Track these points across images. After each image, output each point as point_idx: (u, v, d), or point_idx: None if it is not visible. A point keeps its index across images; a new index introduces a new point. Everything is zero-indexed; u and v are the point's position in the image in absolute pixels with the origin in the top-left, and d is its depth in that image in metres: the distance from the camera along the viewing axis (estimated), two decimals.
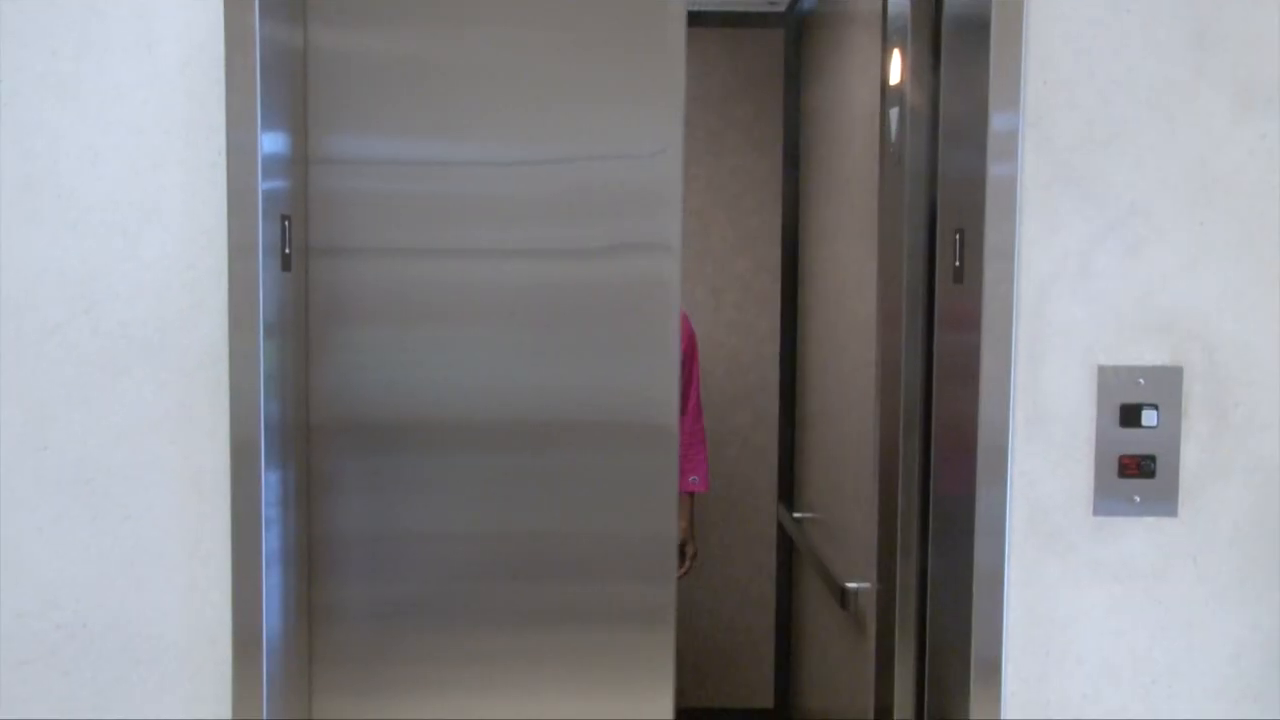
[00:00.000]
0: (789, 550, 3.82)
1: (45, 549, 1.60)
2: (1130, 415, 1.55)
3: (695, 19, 3.69)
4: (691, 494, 3.31)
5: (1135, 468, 1.56)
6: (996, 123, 1.54)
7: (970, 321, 1.58)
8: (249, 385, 1.58)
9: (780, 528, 3.79)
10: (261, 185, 1.56)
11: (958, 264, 1.64)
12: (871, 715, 2.05)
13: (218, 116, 1.55)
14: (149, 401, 1.59)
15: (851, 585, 2.44)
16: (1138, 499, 1.56)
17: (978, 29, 1.56)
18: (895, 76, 1.92)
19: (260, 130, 1.55)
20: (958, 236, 1.64)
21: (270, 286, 1.59)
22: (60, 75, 1.55)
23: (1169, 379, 1.55)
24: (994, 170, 1.54)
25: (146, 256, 1.58)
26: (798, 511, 3.56)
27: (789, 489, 3.81)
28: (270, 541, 1.61)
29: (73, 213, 1.57)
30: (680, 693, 3.16)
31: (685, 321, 3.08)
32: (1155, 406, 1.55)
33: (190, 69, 1.56)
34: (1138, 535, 1.58)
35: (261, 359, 1.57)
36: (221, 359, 1.58)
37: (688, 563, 3.36)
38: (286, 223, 1.65)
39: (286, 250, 1.66)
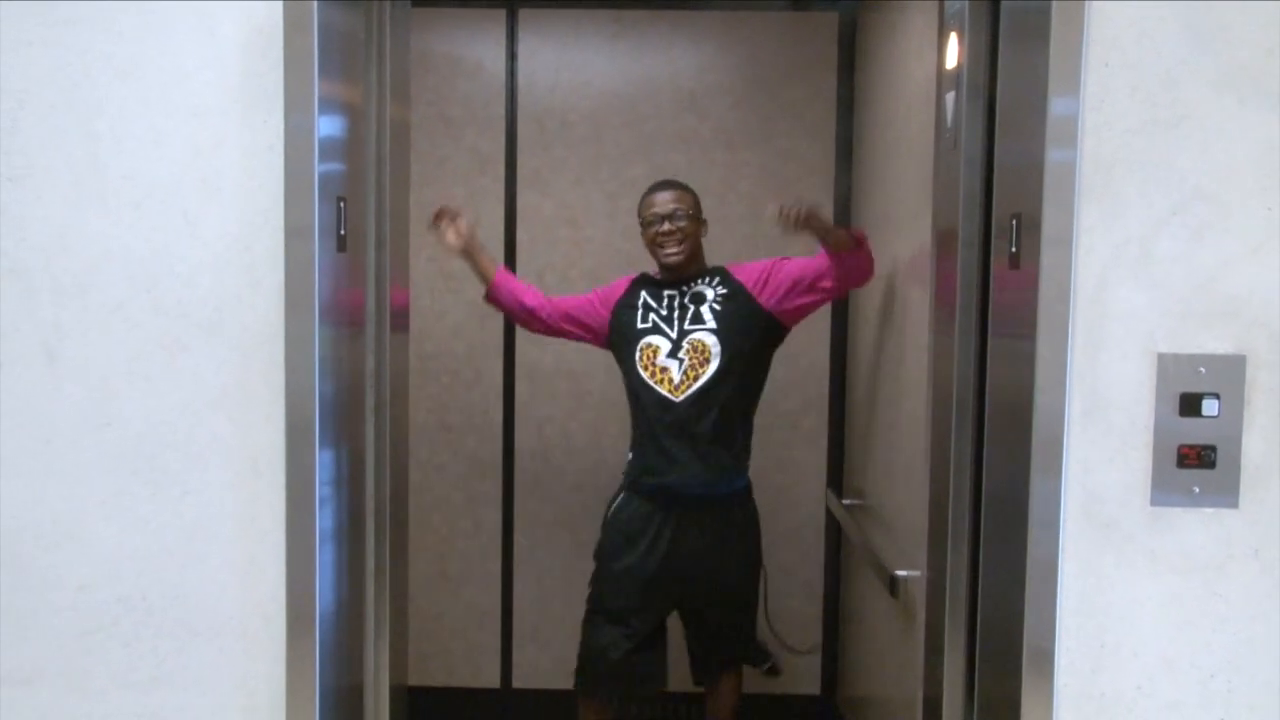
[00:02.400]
0: (838, 537, 3.81)
1: (107, 524, 1.64)
2: (1190, 404, 1.52)
3: (748, 1, 3.67)
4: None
5: (1195, 458, 1.53)
6: (1056, 107, 1.51)
7: (1027, 308, 1.56)
8: (304, 365, 1.60)
9: (829, 514, 3.77)
10: (318, 168, 1.57)
11: (1014, 250, 1.61)
12: (920, 704, 2.04)
13: (276, 98, 1.57)
14: (207, 380, 1.62)
15: (901, 573, 2.43)
16: (1197, 490, 1.54)
17: (1038, 11, 1.54)
18: (952, 60, 1.89)
19: (318, 113, 1.57)
20: (1014, 222, 1.61)
21: (325, 268, 1.61)
22: (123, 57, 1.58)
23: (1231, 367, 1.52)
24: (1053, 155, 1.52)
25: (206, 237, 1.60)
26: (847, 498, 3.54)
27: (838, 475, 3.79)
28: (324, 520, 1.64)
29: (136, 193, 1.59)
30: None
31: (748, 266, 3.01)
32: (1216, 396, 1.52)
33: (249, 51, 1.58)
34: (1197, 527, 1.55)
35: (316, 340, 1.59)
36: (278, 339, 1.60)
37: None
38: (342, 204, 1.67)
39: (342, 231, 1.67)
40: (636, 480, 2.98)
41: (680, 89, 3.72)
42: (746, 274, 2.97)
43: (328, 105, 1.60)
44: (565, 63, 3.72)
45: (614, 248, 3.76)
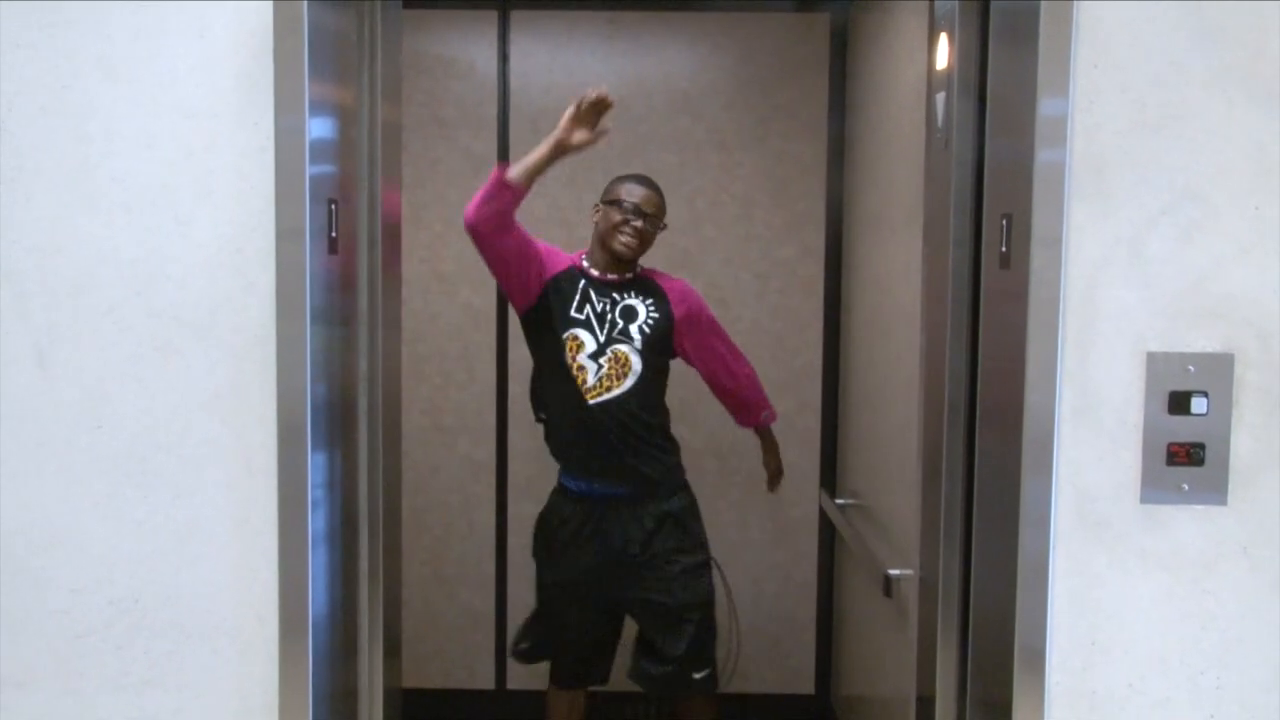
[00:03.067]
0: (831, 536, 3.81)
1: (99, 526, 1.64)
2: (1179, 403, 1.53)
3: (742, 3, 3.68)
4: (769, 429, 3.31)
5: (1184, 456, 1.54)
6: (1046, 107, 1.52)
7: (1017, 307, 1.57)
8: (296, 367, 1.60)
9: (822, 513, 3.78)
10: (310, 169, 1.57)
11: (1004, 249, 1.62)
12: (913, 702, 2.05)
13: (267, 101, 1.57)
14: (200, 382, 1.62)
15: (894, 572, 2.44)
16: (1186, 487, 1.54)
17: (1028, 12, 1.54)
18: (942, 61, 1.90)
19: (309, 115, 1.57)
20: (1005, 222, 1.62)
21: (317, 270, 1.61)
22: (115, 59, 1.58)
23: (1220, 366, 1.53)
24: (1042, 155, 1.52)
25: (198, 239, 1.60)
26: (840, 497, 3.55)
27: (831, 475, 3.80)
28: (317, 522, 1.64)
29: (127, 195, 1.59)
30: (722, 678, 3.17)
31: (680, 290, 3.06)
32: (1205, 394, 1.53)
33: (240, 54, 1.58)
34: (1186, 524, 1.56)
35: (308, 342, 1.59)
36: (270, 341, 1.60)
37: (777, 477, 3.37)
38: (334, 206, 1.67)
39: (334, 233, 1.68)
40: (560, 483, 3.09)
41: (674, 90, 3.72)
42: (679, 306, 3.01)
43: (319, 107, 1.60)
44: (558, 64, 3.72)
45: None
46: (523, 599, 3.86)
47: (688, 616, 2.97)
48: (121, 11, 1.58)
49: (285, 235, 1.58)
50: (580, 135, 2.72)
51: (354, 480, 1.82)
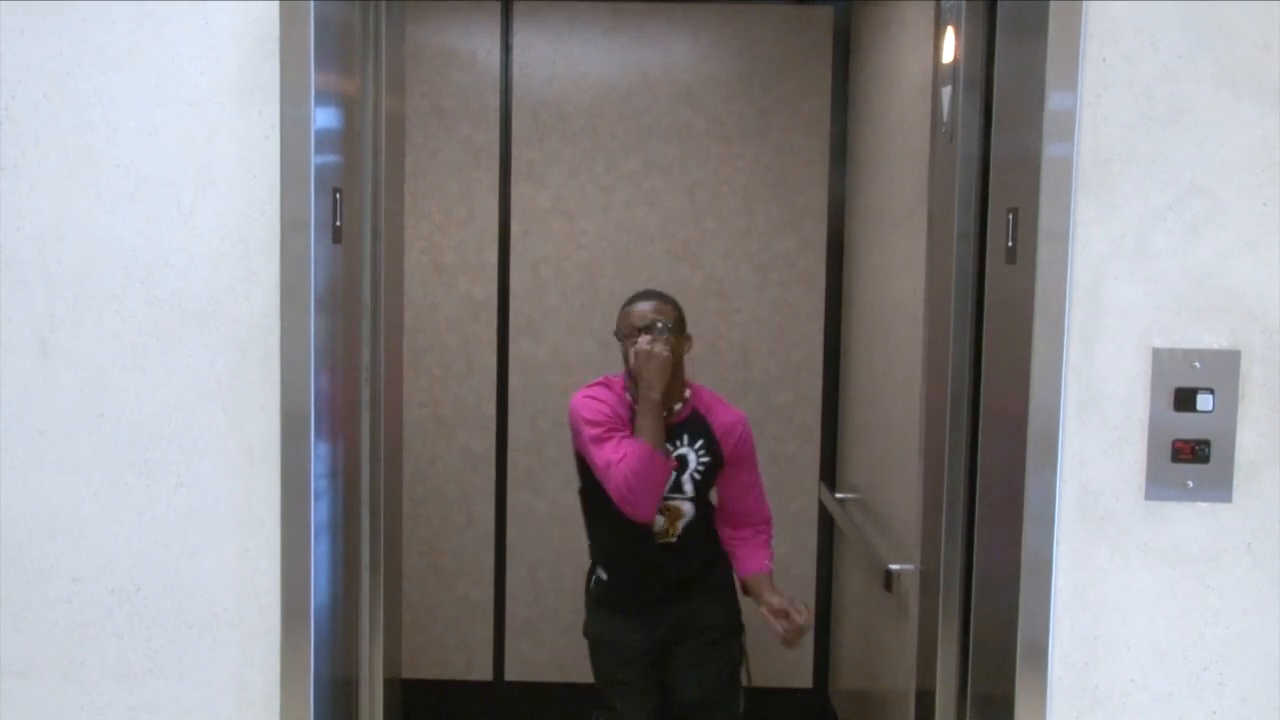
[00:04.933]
0: (831, 530, 3.81)
1: (101, 515, 1.63)
2: (1185, 399, 1.53)
3: None
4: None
5: (1189, 452, 1.53)
6: (1054, 101, 1.51)
7: (1022, 302, 1.56)
8: (300, 357, 1.59)
9: (822, 508, 3.78)
10: (314, 159, 1.57)
11: (1010, 244, 1.62)
12: (913, 697, 2.05)
13: (272, 90, 1.56)
14: (202, 371, 1.61)
15: (895, 567, 2.44)
16: (1191, 484, 1.54)
17: (1035, 6, 1.54)
18: (948, 54, 1.89)
19: (313, 105, 1.56)
20: (1010, 216, 1.62)
21: (321, 260, 1.61)
22: (118, 47, 1.57)
23: (1226, 362, 1.53)
24: (1050, 150, 1.52)
25: (201, 228, 1.59)
26: (840, 491, 3.55)
27: (831, 469, 3.80)
28: (319, 512, 1.63)
29: (130, 183, 1.59)
30: None
31: (727, 425, 2.88)
32: (1211, 390, 1.53)
33: (245, 42, 1.57)
34: (1190, 520, 1.56)
35: (312, 332, 1.59)
36: (273, 331, 1.59)
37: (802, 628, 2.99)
38: (338, 196, 1.67)
39: (338, 223, 1.67)
40: (609, 600, 2.96)
41: (676, 82, 3.71)
42: (726, 437, 2.87)
43: (323, 97, 1.59)
44: (560, 55, 3.71)
45: (608, 240, 3.75)
46: (521, 590, 3.87)
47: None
48: None
49: (290, 225, 1.57)
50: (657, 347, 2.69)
51: (356, 471, 1.82)
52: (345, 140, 1.71)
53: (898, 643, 2.72)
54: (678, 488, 2.82)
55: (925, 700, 1.93)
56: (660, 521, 2.82)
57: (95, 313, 1.60)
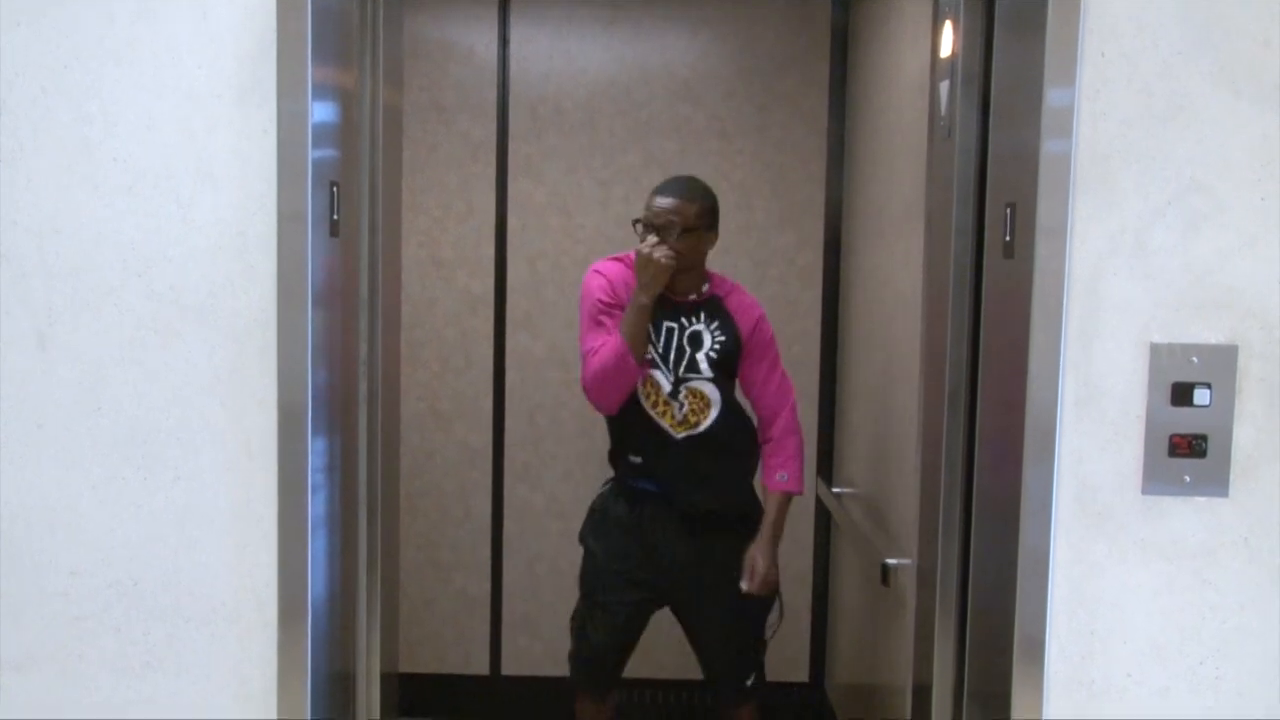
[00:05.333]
0: (828, 525, 3.82)
1: (98, 508, 1.63)
2: (1182, 394, 1.53)
3: None
4: (785, 495, 2.88)
5: (1186, 447, 1.54)
6: (1052, 97, 1.51)
7: (1020, 297, 1.56)
8: (297, 351, 1.59)
9: (819, 502, 3.78)
10: (312, 153, 1.56)
11: (1008, 239, 1.62)
12: (909, 692, 2.05)
13: (269, 83, 1.56)
14: (199, 365, 1.61)
15: (892, 561, 2.44)
16: (1188, 479, 1.55)
17: (1034, 1, 1.54)
18: (946, 49, 1.89)
19: (311, 98, 1.56)
20: (1009, 211, 1.62)
21: (319, 254, 1.60)
22: (117, 39, 1.57)
23: (1223, 357, 1.53)
24: (1048, 145, 1.52)
25: (198, 221, 1.59)
26: (837, 486, 3.55)
27: (829, 463, 3.80)
28: (316, 506, 1.63)
29: (128, 177, 1.58)
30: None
31: (748, 306, 2.87)
32: (1208, 385, 1.53)
33: (243, 35, 1.56)
34: (1188, 515, 1.56)
35: (310, 326, 1.59)
36: (271, 325, 1.59)
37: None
38: (335, 189, 1.66)
39: (335, 217, 1.67)
40: (626, 480, 2.89)
41: (674, 77, 3.71)
42: (743, 318, 2.85)
43: (321, 90, 1.59)
44: (559, 50, 3.71)
45: (606, 235, 3.75)
46: (518, 585, 3.87)
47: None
48: None
49: (287, 219, 1.57)
50: (658, 253, 2.69)
51: (353, 465, 1.82)
52: (343, 134, 1.71)
53: (895, 637, 2.73)
54: (693, 366, 2.80)
55: (922, 694, 1.93)
56: (681, 408, 2.78)
57: (93, 306, 1.60)
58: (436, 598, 3.87)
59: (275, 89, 1.56)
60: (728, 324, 2.84)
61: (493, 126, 3.73)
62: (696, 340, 2.81)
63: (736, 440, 2.87)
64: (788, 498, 2.88)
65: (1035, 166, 1.52)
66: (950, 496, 1.83)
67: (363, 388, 1.84)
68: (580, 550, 2.98)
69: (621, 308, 2.78)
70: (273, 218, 1.58)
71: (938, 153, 1.93)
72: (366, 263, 1.83)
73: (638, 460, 2.85)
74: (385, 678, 1.94)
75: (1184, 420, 1.54)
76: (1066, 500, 1.56)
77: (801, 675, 3.89)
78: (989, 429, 1.73)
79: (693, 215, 2.76)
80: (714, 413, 2.81)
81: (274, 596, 1.62)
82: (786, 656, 3.83)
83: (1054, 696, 1.59)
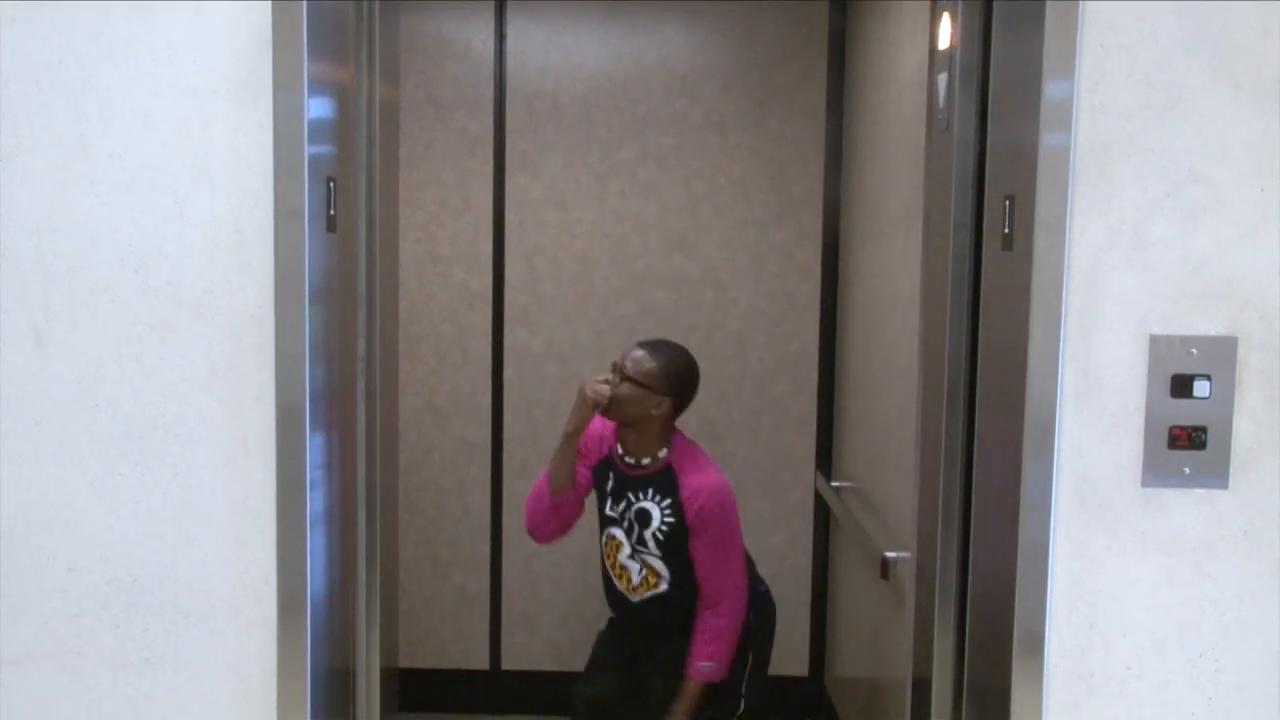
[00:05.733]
0: (826, 519, 3.82)
1: (96, 505, 1.63)
2: (1182, 386, 1.53)
3: None
4: (703, 684, 2.81)
5: (1186, 439, 1.53)
6: (1051, 89, 1.51)
7: (1019, 290, 1.56)
8: (295, 349, 1.59)
9: (818, 496, 3.78)
10: (308, 149, 1.56)
11: (1007, 231, 1.61)
12: (909, 685, 2.05)
13: (265, 79, 1.55)
14: (197, 362, 1.61)
15: (891, 555, 2.44)
16: (1188, 471, 1.54)
17: None
18: (944, 41, 1.89)
19: (307, 94, 1.55)
20: (1007, 204, 1.61)
21: (315, 250, 1.60)
22: (112, 35, 1.56)
23: (1223, 349, 1.53)
24: (1047, 138, 1.51)
25: (195, 218, 1.59)
26: (836, 480, 3.55)
27: (827, 458, 3.80)
28: (314, 503, 1.63)
29: (124, 173, 1.58)
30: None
31: (695, 488, 2.76)
32: (1208, 377, 1.53)
33: (238, 31, 1.56)
34: (1187, 508, 1.56)
35: (307, 322, 1.58)
36: (268, 321, 1.59)
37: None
38: (332, 185, 1.66)
39: (332, 212, 1.66)
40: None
41: (671, 72, 3.71)
42: (690, 502, 2.76)
43: (317, 86, 1.58)
44: (555, 45, 3.70)
45: (603, 230, 3.75)
46: (517, 581, 3.87)
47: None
48: None
49: (284, 215, 1.57)
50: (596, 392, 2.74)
51: (352, 461, 1.82)
52: (340, 130, 1.71)
53: (894, 631, 2.73)
54: (643, 542, 2.82)
55: (921, 688, 1.93)
56: (640, 572, 2.84)
57: (90, 303, 1.60)
58: (435, 594, 3.87)
59: (271, 85, 1.55)
60: (676, 506, 2.78)
61: (489, 122, 3.72)
62: (645, 518, 2.81)
63: (691, 600, 2.85)
64: (708, 686, 2.81)
65: (1034, 159, 1.52)
66: (949, 490, 1.83)
67: (361, 384, 1.84)
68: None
69: (586, 458, 2.89)
70: (269, 214, 1.57)
71: (936, 146, 1.93)
72: (364, 258, 1.83)
73: (612, 615, 3.01)
74: (385, 673, 1.94)
75: (1183, 412, 1.54)
76: (1066, 493, 1.56)
77: (801, 669, 3.89)
78: (988, 422, 1.73)
79: (648, 371, 2.76)
80: (664, 585, 2.84)
81: (273, 593, 1.62)
82: (786, 651, 3.83)
83: (1054, 690, 1.59)
